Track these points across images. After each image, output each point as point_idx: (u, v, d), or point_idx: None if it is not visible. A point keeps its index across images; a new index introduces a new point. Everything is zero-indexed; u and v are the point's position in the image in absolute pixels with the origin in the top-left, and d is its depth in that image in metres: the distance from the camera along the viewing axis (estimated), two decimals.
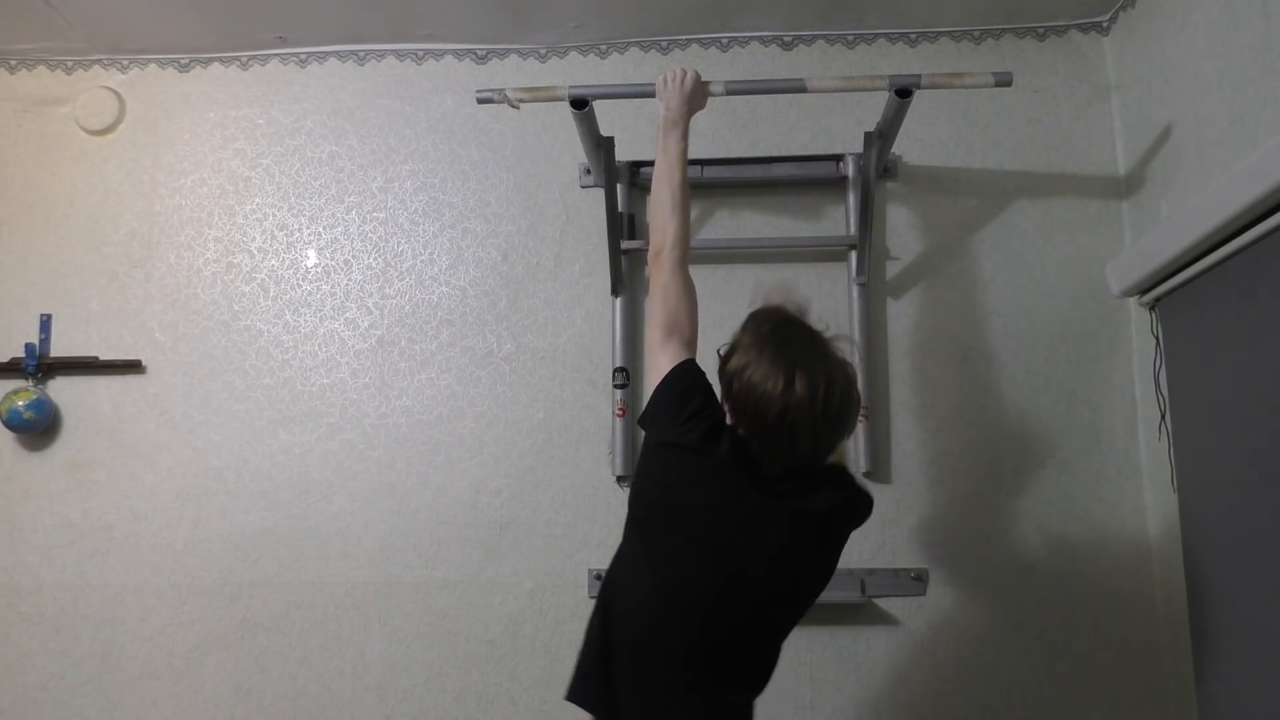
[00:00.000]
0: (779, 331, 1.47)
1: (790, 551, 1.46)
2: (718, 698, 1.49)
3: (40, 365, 2.39)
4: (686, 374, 1.55)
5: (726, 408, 1.50)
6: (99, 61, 2.57)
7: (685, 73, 1.87)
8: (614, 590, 1.55)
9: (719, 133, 2.42)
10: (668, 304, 1.64)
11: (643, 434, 1.59)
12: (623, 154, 2.30)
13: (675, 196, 1.73)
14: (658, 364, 1.59)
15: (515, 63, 2.51)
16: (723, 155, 2.38)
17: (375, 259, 2.45)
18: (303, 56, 2.55)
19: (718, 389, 1.52)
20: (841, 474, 1.52)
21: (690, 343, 1.62)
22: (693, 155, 2.38)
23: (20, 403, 2.32)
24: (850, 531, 1.53)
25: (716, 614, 1.46)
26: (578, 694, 1.53)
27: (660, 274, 1.67)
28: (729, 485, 1.45)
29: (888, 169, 2.36)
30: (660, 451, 1.51)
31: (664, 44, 2.48)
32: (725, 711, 1.51)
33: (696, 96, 1.88)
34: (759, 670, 1.54)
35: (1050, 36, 2.42)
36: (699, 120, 2.43)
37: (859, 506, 1.52)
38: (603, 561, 2.24)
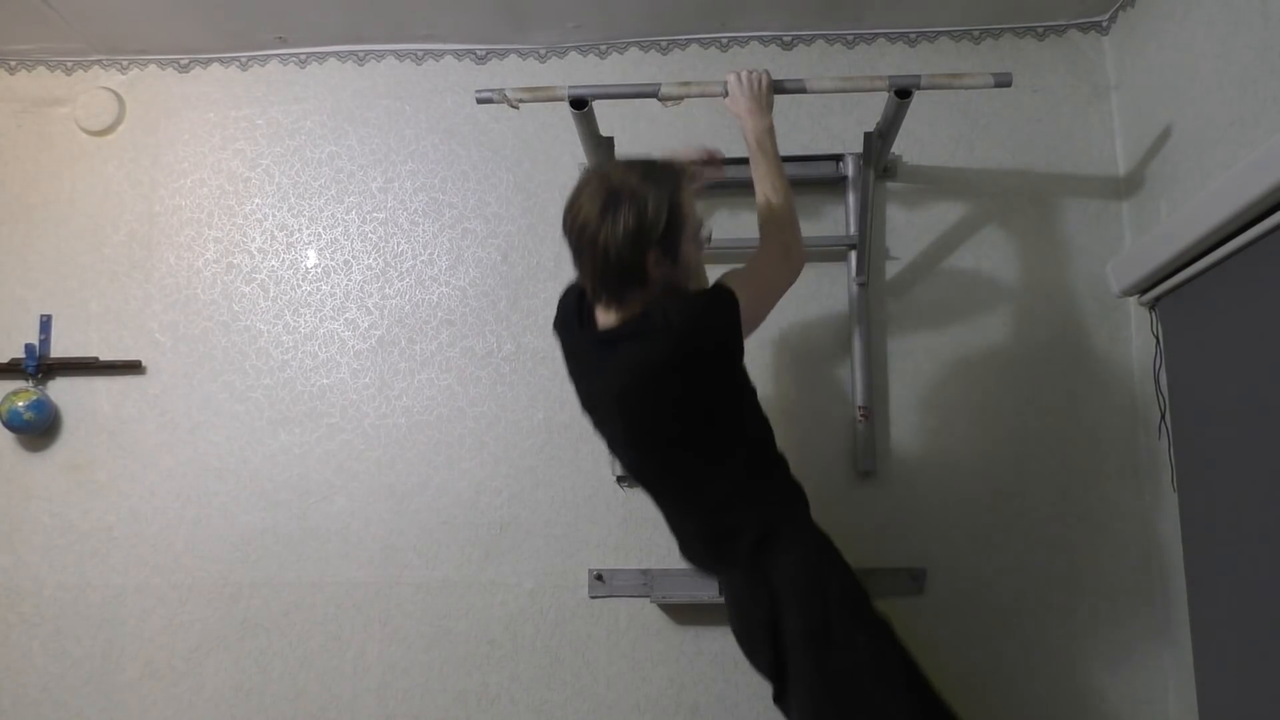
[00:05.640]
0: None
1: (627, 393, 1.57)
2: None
3: (40, 366, 2.39)
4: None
5: None
6: (99, 62, 2.57)
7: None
8: None
9: (719, 132, 2.42)
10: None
11: None
12: (622, 154, 2.29)
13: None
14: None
15: (515, 63, 2.51)
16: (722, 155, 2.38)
17: (375, 259, 2.45)
18: (302, 57, 2.55)
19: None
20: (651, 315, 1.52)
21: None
22: None
23: (20, 403, 2.32)
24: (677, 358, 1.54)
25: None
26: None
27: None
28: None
29: (888, 169, 2.36)
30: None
31: (664, 44, 2.48)
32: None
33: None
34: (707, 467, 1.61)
35: (1050, 36, 2.42)
36: (698, 120, 2.44)
37: (653, 344, 1.52)
38: (603, 561, 2.26)
